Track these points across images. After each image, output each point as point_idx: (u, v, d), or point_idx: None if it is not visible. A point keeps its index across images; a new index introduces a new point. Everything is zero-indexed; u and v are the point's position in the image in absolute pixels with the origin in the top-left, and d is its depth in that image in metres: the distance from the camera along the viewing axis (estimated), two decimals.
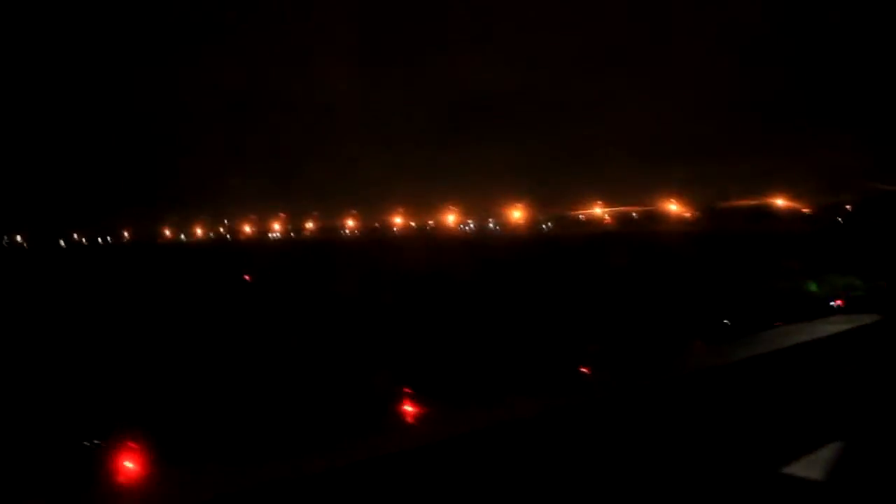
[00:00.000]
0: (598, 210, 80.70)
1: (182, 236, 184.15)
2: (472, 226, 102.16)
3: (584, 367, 11.62)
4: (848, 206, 76.50)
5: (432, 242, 70.50)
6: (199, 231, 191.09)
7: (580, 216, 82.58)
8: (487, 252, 52.83)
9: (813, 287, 20.86)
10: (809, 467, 6.49)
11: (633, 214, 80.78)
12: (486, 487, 6.36)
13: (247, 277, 37.28)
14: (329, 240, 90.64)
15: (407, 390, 8.96)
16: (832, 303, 18.03)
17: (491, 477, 6.58)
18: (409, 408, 8.53)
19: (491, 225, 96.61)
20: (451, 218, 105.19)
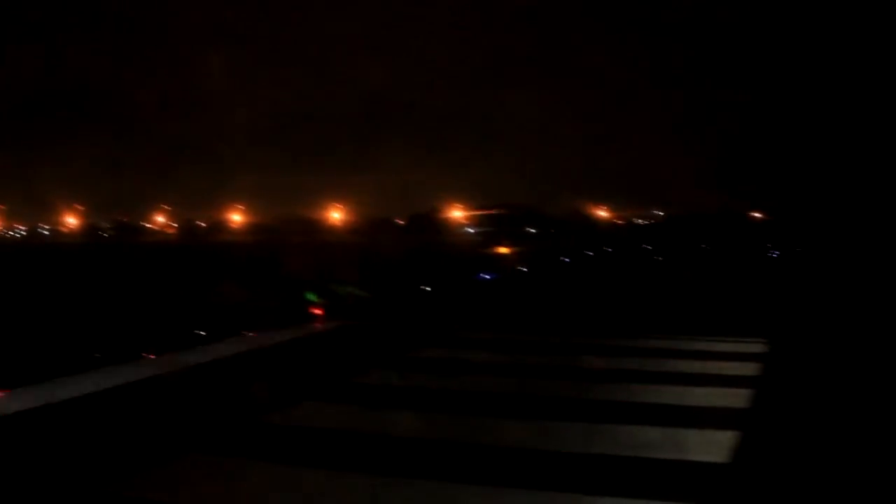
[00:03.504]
0: (161, 218, 77.26)
1: None
2: (23, 231, 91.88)
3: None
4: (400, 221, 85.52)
5: None
6: None
7: (146, 224, 78.17)
8: None
9: (311, 296, 21.06)
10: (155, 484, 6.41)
11: (202, 224, 79.26)
12: None
13: None
14: None
15: None
16: (313, 311, 18.40)
17: None
18: None
19: (44, 230, 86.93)
20: None
